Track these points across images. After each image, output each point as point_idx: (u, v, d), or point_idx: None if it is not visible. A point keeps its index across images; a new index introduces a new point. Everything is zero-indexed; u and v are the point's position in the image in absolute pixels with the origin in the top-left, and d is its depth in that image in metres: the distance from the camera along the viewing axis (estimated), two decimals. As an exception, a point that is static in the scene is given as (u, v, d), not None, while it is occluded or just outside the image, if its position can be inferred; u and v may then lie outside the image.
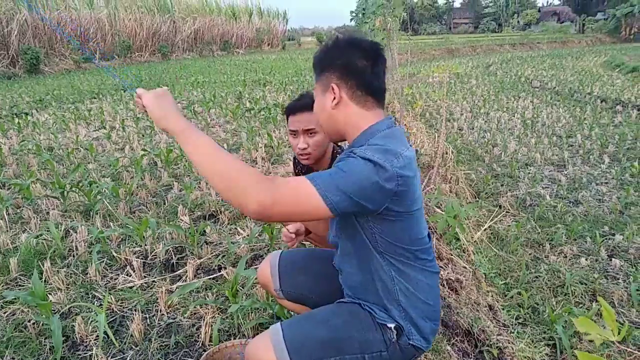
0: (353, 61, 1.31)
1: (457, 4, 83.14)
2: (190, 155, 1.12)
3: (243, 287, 2.44)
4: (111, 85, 12.22)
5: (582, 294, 2.59)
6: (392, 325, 1.31)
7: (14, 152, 5.46)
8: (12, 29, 18.32)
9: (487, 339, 2.14)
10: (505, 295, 2.59)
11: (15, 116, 7.93)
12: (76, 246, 2.96)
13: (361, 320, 1.34)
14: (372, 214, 1.22)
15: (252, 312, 2.24)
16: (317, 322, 1.34)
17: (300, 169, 2.14)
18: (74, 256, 2.90)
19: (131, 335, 2.13)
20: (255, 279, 1.96)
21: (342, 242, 1.40)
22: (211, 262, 2.83)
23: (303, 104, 1.86)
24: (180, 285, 2.52)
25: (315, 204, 1.10)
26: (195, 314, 2.31)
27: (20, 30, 18.82)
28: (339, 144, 2.06)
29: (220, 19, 32.21)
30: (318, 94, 1.37)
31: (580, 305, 2.50)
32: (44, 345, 2.10)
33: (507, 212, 3.76)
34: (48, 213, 3.56)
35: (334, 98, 1.31)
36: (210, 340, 2.05)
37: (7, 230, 3.27)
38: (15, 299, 2.35)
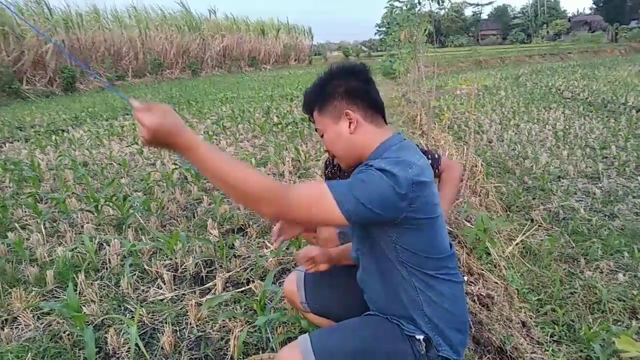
0: (355, 84, 1.38)
1: (484, 15, 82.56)
2: (202, 170, 1.10)
3: (271, 301, 2.45)
4: (143, 103, 12.55)
5: (620, 312, 2.49)
6: (420, 337, 1.30)
7: (51, 167, 5.66)
8: (49, 50, 19.09)
9: (520, 357, 2.08)
10: (539, 312, 2.52)
11: (52, 133, 8.23)
12: (109, 259, 3.04)
13: (390, 332, 1.33)
14: (390, 224, 1.24)
15: (280, 326, 2.24)
16: (346, 334, 1.34)
17: (331, 170, 2.17)
18: (107, 269, 2.97)
19: (162, 348, 2.16)
20: (282, 292, 1.97)
21: (364, 257, 1.42)
22: (240, 276, 2.85)
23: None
24: (210, 298, 2.55)
25: (331, 210, 1.15)
26: (224, 327, 2.33)
27: (57, 50, 19.61)
28: None
29: (249, 36, 32.86)
30: (329, 126, 1.40)
31: (619, 323, 2.41)
32: (78, 356, 2.15)
33: (539, 226, 3.67)
34: (82, 226, 3.66)
35: (351, 123, 1.36)
36: (238, 354, 2.06)
37: (44, 244, 3.38)
38: (51, 310, 2.42)
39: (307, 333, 1.34)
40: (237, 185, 1.09)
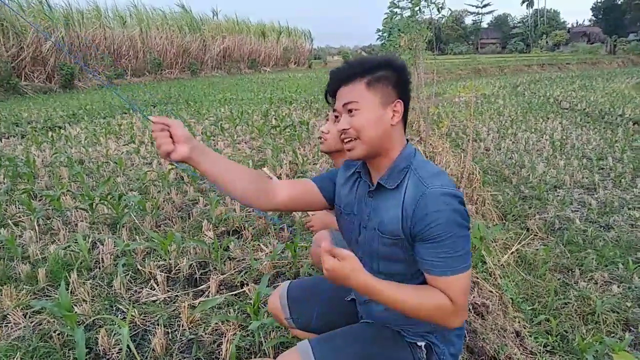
0: (403, 84, 1.31)
1: (484, 24, 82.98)
2: (380, 302, 1.18)
3: (265, 305, 2.43)
4: (141, 102, 12.53)
5: (614, 323, 2.49)
6: (422, 344, 1.30)
7: (47, 164, 5.63)
8: (49, 46, 19.05)
9: (513, 367, 2.07)
10: (533, 321, 2.51)
11: (49, 129, 8.20)
12: (102, 258, 3.01)
13: (391, 339, 1.33)
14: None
15: (273, 331, 2.22)
16: (347, 340, 1.33)
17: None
18: (99, 268, 2.95)
19: (153, 350, 2.14)
20: (267, 308, 1.94)
21: (376, 273, 1.38)
22: (234, 278, 2.84)
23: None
24: (203, 301, 2.53)
25: (468, 277, 1.20)
26: (216, 330, 2.31)
27: (56, 47, 19.56)
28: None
29: (249, 38, 32.86)
30: (373, 105, 1.27)
31: (613, 335, 2.41)
32: (68, 356, 2.12)
33: (535, 235, 3.67)
34: (76, 225, 3.64)
35: (395, 115, 1.29)
36: (230, 358, 2.05)
37: (37, 241, 3.35)
38: (42, 309, 2.39)
39: (306, 340, 1.33)
40: (418, 314, 1.17)
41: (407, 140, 1.36)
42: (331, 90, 1.36)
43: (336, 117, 1.36)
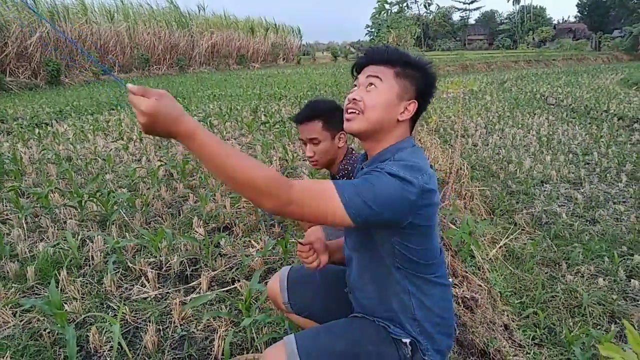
0: (430, 95, 1.36)
1: (472, 21, 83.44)
2: (202, 158, 1.03)
3: (257, 301, 2.44)
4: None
5: (600, 315, 2.54)
6: (407, 341, 1.31)
7: (34, 161, 5.56)
8: (34, 42, 18.77)
9: None
10: (521, 315, 2.55)
11: (35, 126, 8.09)
12: (92, 256, 3.00)
13: (376, 335, 1.34)
14: (393, 228, 1.23)
15: (265, 326, 2.23)
16: (332, 335, 1.34)
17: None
18: (89, 266, 2.93)
19: (145, 347, 2.14)
20: (266, 292, 1.96)
21: (358, 259, 1.40)
22: (225, 275, 2.84)
23: (305, 115, 2.02)
24: (194, 297, 2.53)
25: (335, 209, 1.11)
26: (208, 326, 2.31)
27: (42, 43, 19.28)
28: (351, 146, 2.15)
29: (237, 34, 32.68)
30: (393, 91, 1.29)
31: (599, 327, 2.45)
32: (59, 354, 2.12)
33: (522, 229, 3.72)
34: (65, 222, 3.61)
35: (405, 111, 1.32)
36: (223, 354, 2.05)
37: (25, 239, 3.32)
38: (31, 307, 2.37)
39: (292, 334, 1.34)
40: (238, 176, 1.03)
41: (411, 138, 1.38)
42: (360, 64, 1.37)
43: (354, 86, 1.36)
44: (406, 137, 1.36)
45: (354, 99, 1.29)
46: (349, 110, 1.31)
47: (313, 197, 1.11)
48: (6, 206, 3.94)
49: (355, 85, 1.35)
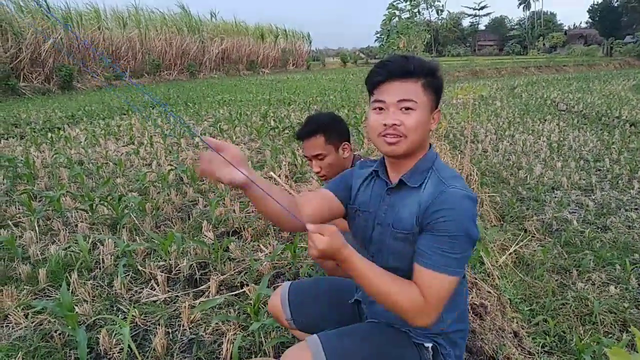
0: (441, 96, 1.36)
1: (481, 27, 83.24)
2: (356, 278, 1.19)
3: (265, 305, 2.45)
4: (140, 103, 12.54)
5: (611, 324, 2.51)
6: (429, 345, 1.31)
7: (46, 165, 5.63)
8: (48, 48, 19.03)
9: (512, 367, 2.09)
10: (531, 322, 2.53)
11: (48, 130, 8.19)
12: (103, 259, 3.02)
13: (399, 339, 1.35)
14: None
15: (273, 331, 2.24)
16: (356, 338, 1.35)
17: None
18: (100, 269, 2.96)
19: (154, 350, 2.15)
20: (268, 309, 1.96)
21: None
22: (234, 279, 2.85)
23: (307, 131, 2.04)
24: (203, 301, 2.54)
25: (453, 284, 1.20)
26: (217, 330, 2.32)
27: (56, 47, 19.56)
28: (357, 153, 2.17)
29: (248, 40, 32.87)
30: (424, 107, 1.28)
31: (610, 335, 2.43)
32: (69, 356, 2.14)
33: (532, 236, 3.70)
34: (77, 225, 3.65)
35: (434, 122, 1.34)
36: (231, 358, 2.06)
37: (37, 242, 3.36)
38: (43, 309, 2.40)
39: (315, 335, 1.34)
40: (388, 299, 1.18)
41: (430, 144, 1.39)
42: (378, 80, 1.29)
43: (380, 108, 1.29)
44: (428, 144, 1.37)
45: (393, 125, 1.25)
46: (390, 136, 1.27)
47: (441, 297, 1.19)
48: (19, 209, 4.00)
49: (378, 103, 1.29)
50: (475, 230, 1.20)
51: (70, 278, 2.70)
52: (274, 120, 9.10)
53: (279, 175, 5.00)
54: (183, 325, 2.35)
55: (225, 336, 2.18)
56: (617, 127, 8.40)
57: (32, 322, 2.39)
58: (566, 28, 78.39)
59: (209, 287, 2.69)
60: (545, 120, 9.25)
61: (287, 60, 36.71)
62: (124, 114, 10.50)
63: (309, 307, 1.67)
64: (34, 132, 8.05)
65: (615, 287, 2.86)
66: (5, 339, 2.25)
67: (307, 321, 1.68)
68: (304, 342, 1.31)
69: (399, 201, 1.31)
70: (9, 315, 2.43)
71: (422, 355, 1.32)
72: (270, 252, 3.15)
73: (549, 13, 76.89)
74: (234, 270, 2.94)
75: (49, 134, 7.71)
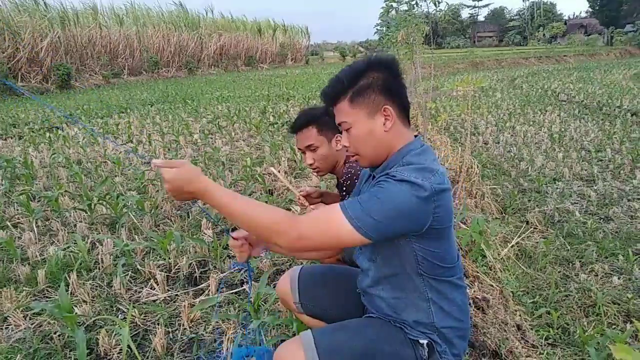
0: (392, 78, 1.30)
1: (481, 18, 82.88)
2: (219, 210, 1.19)
3: (265, 303, 2.43)
4: (139, 101, 12.51)
5: (615, 315, 2.49)
6: (424, 342, 1.29)
7: (45, 165, 5.61)
8: (45, 46, 19.00)
9: (515, 361, 2.07)
10: (534, 315, 2.51)
11: (46, 130, 8.17)
12: (102, 259, 3.00)
13: (393, 335, 1.32)
14: (415, 235, 1.21)
15: (273, 329, 2.22)
16: (349, 333, 1.33)
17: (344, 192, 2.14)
18: (99, 269, 2.94)
19: (154, 349, 2.13)
20: (276, 292, 1.95)
21: (377, 267, 1.37)
22: (234, 277, 2.83)
23: (299, 123, 2.03)
24: (203, 300, 2.52)
25: (347, 234, 1.13)
26: (217, 328, 2.30)
27: (53, 47, 19.52)
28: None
29: (245, 35, 32.78)
30: (360, 120, 1.29)
31: (614, 327, 2.40)
32: (69, 357, 2.12)
33: (534, 228, 3.67)
34: (75, 225, 3.63)
35: (387, 120, 1.28)
36: (231, 357, 2.04)
37: (36, 242, 3.34)
38: (42, 310, 2.38)
39: (309, 330, 1.32)
40: (251, 221, 1.17)
41: (416, 135, 1.35)
42: (327, 108, 1.43)
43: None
44: (411, 139, 1.33)
45: (344, 146, 1.36)
46: (351, 155, 1.38)
47: (321, 227, 1.15)
48: (17, 210, 3.98)
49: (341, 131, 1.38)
50: (412, 212, 1.14)
51: (70, 279, 2.69)
52: (273, 115, 9.07)
53: (279, 171, 4.97)
54: (183, 325, 2.33)
55: (226, 334, 2.16)
56: (618, 116, 8.35)
57: (31, 324, 2.37)
58: (566, 18, 77.98)
59: (209, 285, 2.68)
60: (546, 111, 9.20)
61: (285, 55, 36.62)
62: (122, 112, 10.47)
63: (318, 292, 1.67)
64: (32, 132, 8.03)
65: (619, 278, 2.83)
66: (4, 341, 2.24)
67: (314, 306, 1.67)
68: (298, 336, 1.30)
69: None
70: (8, 317, 2.42)
71: (417, 352, 1.29)
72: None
73: (548, 3, 76.42)
74: (234, 268, 2.92)
75: (47, 134, 7.68)
